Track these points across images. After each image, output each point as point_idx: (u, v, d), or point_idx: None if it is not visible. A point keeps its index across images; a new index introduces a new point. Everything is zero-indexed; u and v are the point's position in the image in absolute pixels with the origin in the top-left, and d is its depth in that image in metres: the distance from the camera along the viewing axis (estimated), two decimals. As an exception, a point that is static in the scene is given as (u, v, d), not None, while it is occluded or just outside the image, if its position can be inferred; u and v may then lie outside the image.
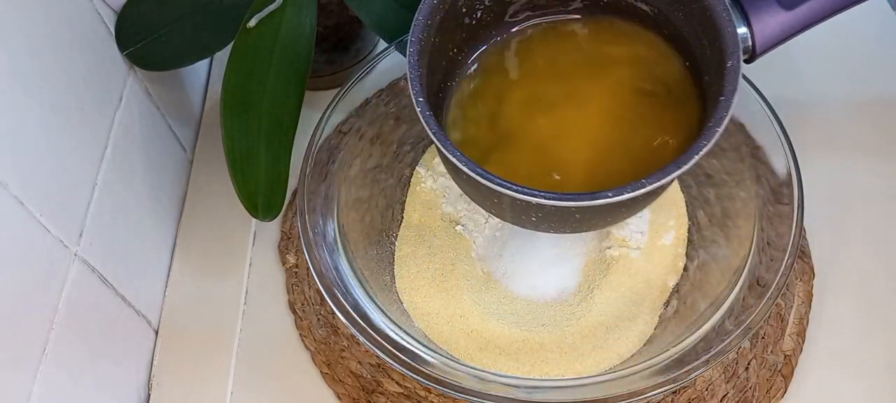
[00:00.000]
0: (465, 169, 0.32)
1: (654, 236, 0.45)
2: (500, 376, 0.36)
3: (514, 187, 0.31)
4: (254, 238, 0.50)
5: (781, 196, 0.39)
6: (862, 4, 0.39)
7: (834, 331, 0.44)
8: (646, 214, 0.46)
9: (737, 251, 0.40)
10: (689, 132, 0.36)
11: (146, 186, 0.46)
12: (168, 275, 0.48)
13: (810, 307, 0.44)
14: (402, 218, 0.48)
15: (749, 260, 0.38)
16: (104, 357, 0.39)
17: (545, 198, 0.31)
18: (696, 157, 0.32)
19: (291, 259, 0.48)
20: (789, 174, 0.39)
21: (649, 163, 0.34)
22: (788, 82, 0.55)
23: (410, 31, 0.35)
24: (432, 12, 0.36)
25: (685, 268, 0.44)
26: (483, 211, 0.44)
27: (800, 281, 0.45)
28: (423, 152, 0.50)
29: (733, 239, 0.42)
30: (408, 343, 0.36)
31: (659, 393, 0.34)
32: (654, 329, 0.42)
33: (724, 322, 0.36)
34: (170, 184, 0.50)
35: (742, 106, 0.43)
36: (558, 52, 0.39)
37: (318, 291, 0.46)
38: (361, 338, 0.36)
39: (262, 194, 0.41)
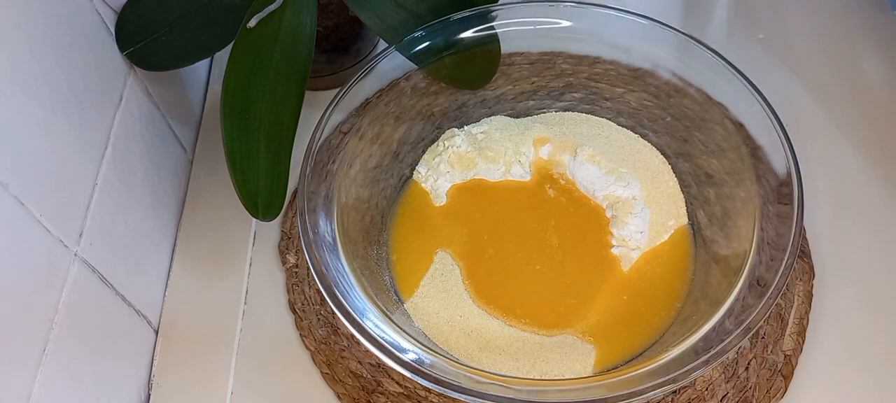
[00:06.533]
0: None
1: (654, 236, 0.45)
2: (500, 376, 0.36)
3: None
4: (254, 238, 0.50)
5: (781, 196, 0.39)
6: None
7: (834, 331, 0.44)
8: (646, 214, 0.46)
9: (737, 251, 0.40)
10: None
11: (146, 186, 0.46)
12: (168, 275, 0.48)
13: (810, 307, 0.44)
14: (403, 218, 0.48)
15: (749, 260, 0.38)
16: (104, 357, 0.39)
17: None
18: None
19: (291, 259, 0.48)
20: (789, 174, 0.39)
21: None
22: (788, 82, 0.56)
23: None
24: None
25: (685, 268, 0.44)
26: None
27: (800, 281, 0.45)
28: (424, 152, 0.50)
29: (733, 239, 0.42)
30: (408, 343, 0.36)
31: (659, 393, 0.34)
32: (655, 329, 0.42)
33: (724, 322, 0.36)
34: (170, 184, 0.50)
35: (742, 106, 0.43)
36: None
37: (318, 291, 0.46)
38: (361, 338, 0.36)
39: (262, 194, 0.41)
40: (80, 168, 0.39)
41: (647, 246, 0.45)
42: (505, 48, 0.48)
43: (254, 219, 0.48)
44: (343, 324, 0.37)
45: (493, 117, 0.51)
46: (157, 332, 0.46)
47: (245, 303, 0.47)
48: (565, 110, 0.52)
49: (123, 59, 0.45)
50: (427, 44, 0.47)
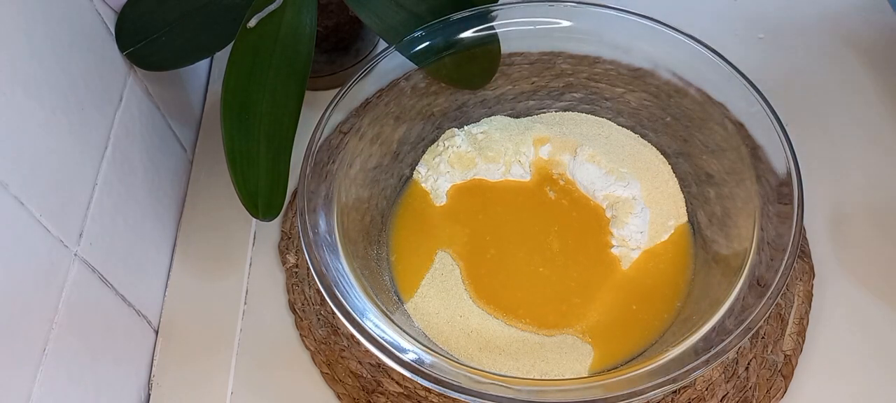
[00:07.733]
0: None
1: (654, 236, 0.46)
2: (500, 376, 0.36)
3: None
4: (254, 238, 0.50)
5: (781, 195, 0.39)
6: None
7: (834, 331, 0.44)
8: (646, 214, 0.46)
9: (737, 251, 0.40)
10: None
11: (146, 186, 0.46)
12: (168, 275, 0.48)
13: (810, 307, 0.44)
14: (402, 218, 0.48)
15: (749, 260, 0.38)
16: (104, 357, 0.39)
17: None
18: None
19: (291, 259, 0.48)
20: (789, 174, 0.39)
21: None
22: (788, 82, 0.55)
23: None
24: None
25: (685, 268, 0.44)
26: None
27: (800, 281, 0.45)
28: (424, 152, 0.50)
29: (733, 239, 0.42)
30: (408, 343, 0.36)
31: (659, 393, 0.34)
32: (655, 329, 0.42)
33: (724, 321, 0.36)
34: (170, 184, 0.50)
35: (742, 106, 0.43)
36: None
37: (318, 291, 0.46)
38: (361, 338, 0.36)
39: (262, 194, 0.41)
40: (80, 168, 0.39)
41: (647, 246, 0.45)
42: (505, 48, 0.48)
43: (254, 219, 0.48)
44: (343, 324, 0.37)
45: (493, 117, 0.51)
46: (157, 332, 0.46)
47: (245, 303, 0.47)
48: (565, 110, 0.52)
49: (123, 59, 0.45)
50: (427, 44, 0.47)
